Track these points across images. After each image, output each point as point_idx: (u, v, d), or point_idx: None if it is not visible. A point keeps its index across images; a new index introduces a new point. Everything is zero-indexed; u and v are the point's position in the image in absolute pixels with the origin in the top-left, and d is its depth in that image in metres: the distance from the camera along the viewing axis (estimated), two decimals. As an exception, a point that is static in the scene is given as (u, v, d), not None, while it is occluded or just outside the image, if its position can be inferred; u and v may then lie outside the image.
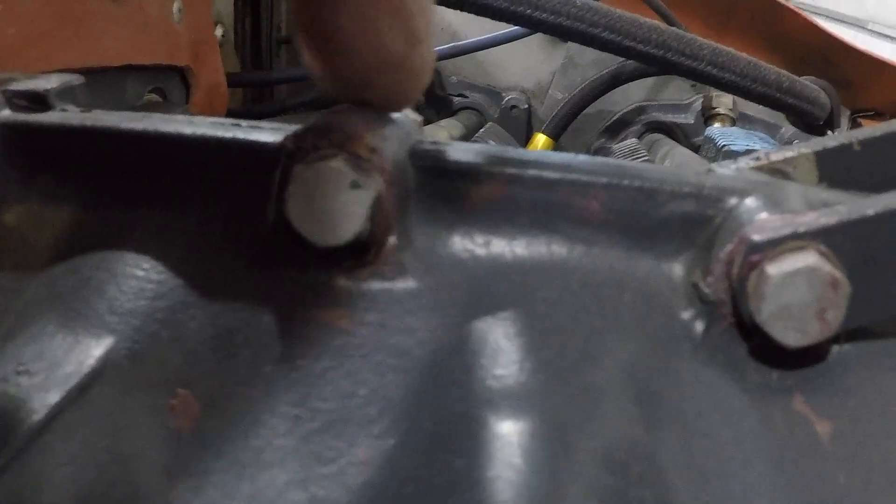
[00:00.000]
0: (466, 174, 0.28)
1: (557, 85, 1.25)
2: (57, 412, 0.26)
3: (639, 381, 0.25)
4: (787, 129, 1.12)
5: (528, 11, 0.60)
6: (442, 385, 0.26)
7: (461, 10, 0.61)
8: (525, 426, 0.23)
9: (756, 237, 0.26)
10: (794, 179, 0.33)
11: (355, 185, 0.25)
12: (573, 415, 0.23)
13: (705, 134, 1.07)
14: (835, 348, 0.27)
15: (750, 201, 0.28)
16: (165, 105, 0.61)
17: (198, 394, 0.27)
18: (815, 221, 0.25)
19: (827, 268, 0.25)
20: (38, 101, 0.31)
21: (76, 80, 0.34)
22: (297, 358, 0.27)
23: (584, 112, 1.21)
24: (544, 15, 0.60)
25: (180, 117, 0.32)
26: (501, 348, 0.26)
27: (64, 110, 0.31)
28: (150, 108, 0.58)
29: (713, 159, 0.96)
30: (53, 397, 0.26)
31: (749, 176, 0.31)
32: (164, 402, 0.27)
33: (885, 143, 0.33)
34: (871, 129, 0.33)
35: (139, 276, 0.29)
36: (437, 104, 1.25)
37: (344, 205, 0.26)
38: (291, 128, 0.29)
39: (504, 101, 1.25)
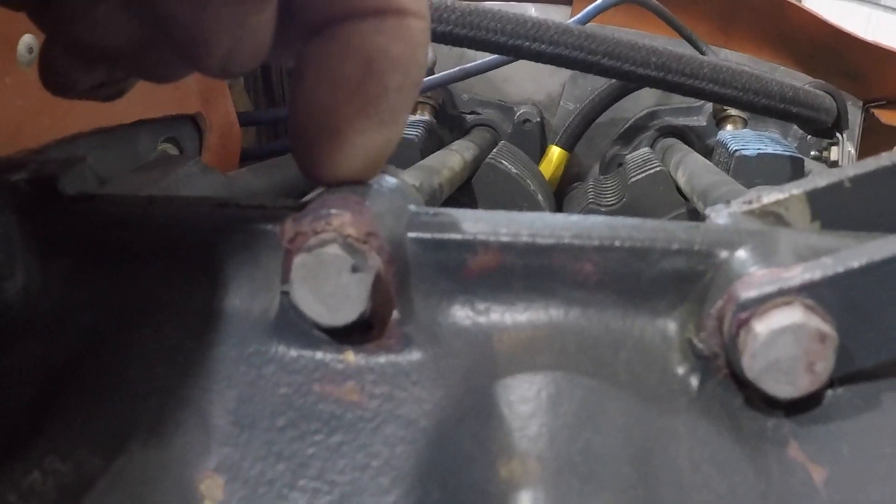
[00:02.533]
0: (462, 245, 0.29)
1: (568, 96, 1.26)
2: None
3: (635, 441, 0.26)
4: (800, 125, 1.12)
5: (527, 44, 0.60)
6: (449, 454, 0.27)
7: (460, 46, 0.62)
8: (527, 495, 0.24)
9: (744, 295, 0.26)
10: (787, 221, 0.33)
11: (355, 269, 0.27)
12: (573, 481, 0.24)
13: (717, 138, 1.07)
14: (829, 392, 0.28)
15: (740, 254, 0.29)
16: (178, 159, 0.63)
17: (221, 470, 0.28)
18: (801, 276, 0.26)
19: (813, 322, 0.26)
20: (49, 188, 0.33)
21: (79, 157, 0.35)
22: (314, 433, 0.28)
23: (597, 121, 1.22)
24: (542, 46, 0.61)
25: (188, 198, 0.33)
26: (503, 416, 0.27)
27: (73, 196, 0.33)
28: (162, 162, 0.59)
29: (726, 164, 0.96)
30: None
31: (741, 224, 0.32)
32: (192, 481, 0.28)
33: (874, 179, 0.33)
34: (862, 163, 0.34)
35: (161, 359, 0.30)
36: (449, 123, 1.26)
37: (345, 288, 0.27)
38: (289, 208, 0.30)
39: (517, 116, 1.26)
